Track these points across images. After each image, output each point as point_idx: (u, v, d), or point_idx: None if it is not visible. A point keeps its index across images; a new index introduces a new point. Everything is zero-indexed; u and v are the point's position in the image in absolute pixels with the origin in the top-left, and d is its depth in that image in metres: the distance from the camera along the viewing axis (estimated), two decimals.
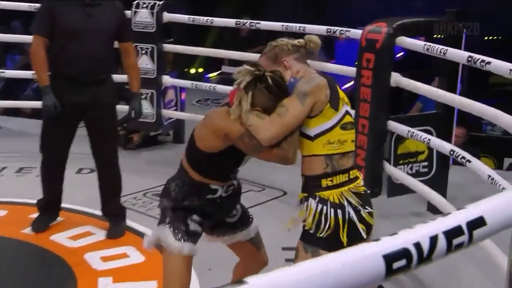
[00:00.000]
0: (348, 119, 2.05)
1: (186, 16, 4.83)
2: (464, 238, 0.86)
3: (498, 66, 2.49)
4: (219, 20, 4.80)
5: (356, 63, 3.85)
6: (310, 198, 2.01)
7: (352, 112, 2.07)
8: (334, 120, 2.00)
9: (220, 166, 2.18)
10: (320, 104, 1.98)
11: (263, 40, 8.02)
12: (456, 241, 0.85)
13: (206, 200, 2.18)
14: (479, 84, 6.91)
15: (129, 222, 3.56)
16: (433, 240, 0.82)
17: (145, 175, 4.48)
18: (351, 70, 4.01)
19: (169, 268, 2.13)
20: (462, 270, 3.16)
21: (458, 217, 0.88)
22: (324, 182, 2.00)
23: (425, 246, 0.81)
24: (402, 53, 8.20)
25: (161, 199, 2.23)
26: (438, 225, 0.85)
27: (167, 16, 4.85)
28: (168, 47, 4.95)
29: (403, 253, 0.78)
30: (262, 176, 4.47)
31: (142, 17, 4.85)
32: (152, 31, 4.85)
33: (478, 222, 0.88)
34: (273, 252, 2.75)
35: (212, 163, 2.14)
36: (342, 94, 2.06)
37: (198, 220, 2.19)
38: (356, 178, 2.06)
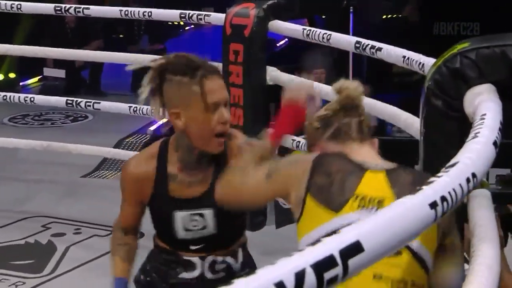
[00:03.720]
0: None
1: None
2: (338, 270, 0.93)
3: (391, 53, 2.70)
4: (31, 5, 4.67)
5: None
6: None
7: None
8: (329, 227, 1.57)
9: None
10: (294, 189, 1.65)
11: (100, 32, 7.99)
12: (328, 275, 0.92)
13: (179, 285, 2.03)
14: (382, 76, 7.32)
15: None
16: (299, 276, 0.88)
17: None
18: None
19: None
20: None
21: (330, 245, 0.95)
22: None
23: (290, 285, 0.87)
24: (284, 41, 8.53)
25: None
26: (306, 257, 0.91)
27: None
28: None
29: None
30: (108, 214, 4.41)
31: None
32: None
33: (354, 249, 0.96)
34: None
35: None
36: (373, 192, 1.61)
37: None
38: None
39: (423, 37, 7.14)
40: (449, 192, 1.14)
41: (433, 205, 1.10)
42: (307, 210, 1.62)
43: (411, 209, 1.07)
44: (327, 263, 0.92)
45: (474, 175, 1.24)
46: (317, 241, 1.55)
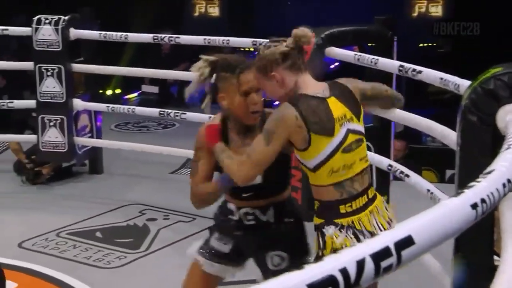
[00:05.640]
0: (351, 138, 2.02)
1: (97, 32, 4.75)
2: (392, 259, 0.90)
3: (429, 75, 2.62)
4: (135, 35, 4.76)
5: None
6: (327, 226, 2.01)
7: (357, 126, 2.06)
8: (330, 147, 1.98)
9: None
10: (298, 136, 1.96)
11: (188, 56, 8.13)
12: (384, 264, 0.89)
13: (228, 221, 2.28)
14: (418, 94, 7.21)
15: (41, 268, 3.43)
16: (360, 264, 0.85)
17: (58, 212, 4.35)
18: None
19: (187, 275, 2.34)
20: None
21: (386, 238, 0.92)
22: (343, 209, 2.01)
23: (352, 271, 0.84)
24: (337, 64, 8.44)
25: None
26: (365, 248, 0.88)
27: (74, 33, 4.76)
28: (78, 67, 4.85)
29: (329, 281, 0.81)
30: (190, 204, 4.44)
31: (45, 34, 4.72)
32: (58, 49, 4.72)
33: (406, 242, 0.93)
34: None
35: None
36: (339, 112, 2.01)
37: (221, 238, 2.30)
38: (375, 196, 2.08)
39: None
40: (487, 195, 1.09)
41: (474, 206, 1.05)
42: (313, 142, 1.96)
43: (455, 209, 1.03)
44: (383, 253, 0.89)
45: (509, 181, 1.17)
46: (329, 157, 1.99)
